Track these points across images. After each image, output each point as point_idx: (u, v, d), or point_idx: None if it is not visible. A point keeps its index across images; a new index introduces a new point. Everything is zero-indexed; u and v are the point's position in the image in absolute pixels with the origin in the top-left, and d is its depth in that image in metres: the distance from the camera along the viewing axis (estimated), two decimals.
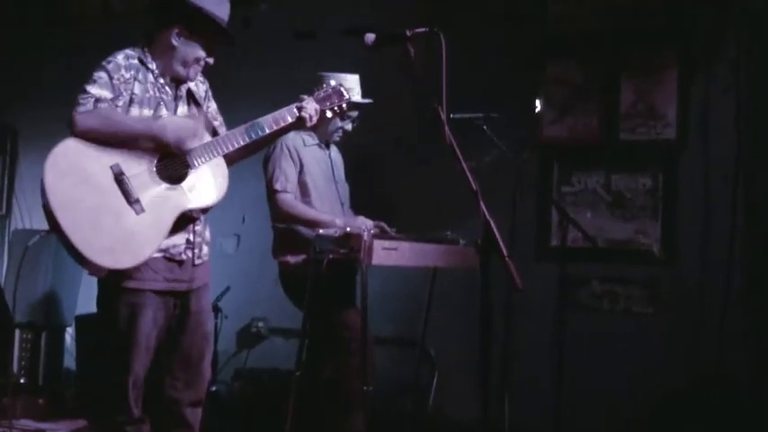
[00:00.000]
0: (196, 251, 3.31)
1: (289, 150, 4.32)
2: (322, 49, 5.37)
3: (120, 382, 3.16)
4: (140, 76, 3.21)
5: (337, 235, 3.94)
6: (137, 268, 3.11)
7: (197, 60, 3.28)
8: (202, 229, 3.35)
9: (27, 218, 6.20)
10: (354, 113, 4.43)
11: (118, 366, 3.18)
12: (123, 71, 3.17)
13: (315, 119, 3.44)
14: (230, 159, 3.32)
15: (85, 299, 5.33)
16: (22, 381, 5.49)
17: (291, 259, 4.28)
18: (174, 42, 3.23)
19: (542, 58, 5.13)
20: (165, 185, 3.13)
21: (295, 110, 3.39)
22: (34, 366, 5.54)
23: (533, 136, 5.08)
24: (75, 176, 3.03)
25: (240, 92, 4.86)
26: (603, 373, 4.71)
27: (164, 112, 3.24)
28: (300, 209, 4.29)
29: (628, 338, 4.76)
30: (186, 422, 3.33)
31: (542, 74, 5.12)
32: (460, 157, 2.70)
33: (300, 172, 4.34)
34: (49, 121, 3.97)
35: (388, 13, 5.08)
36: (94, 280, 3.23)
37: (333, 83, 3.58)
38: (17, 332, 5.49)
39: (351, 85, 4.18)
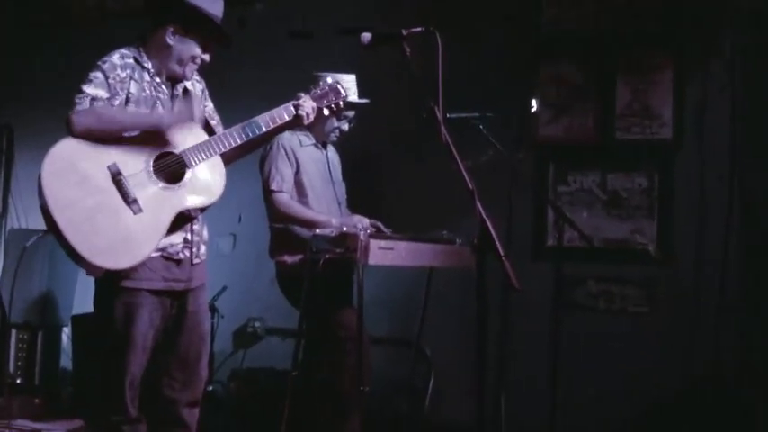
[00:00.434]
0: (194, 250, 3.31)
1: (285, 150, 4.31)
2: (318, 49, 5.37)
3: (117, 382, 3.16)
4: (136, 76, 3.21)
5: (333, 235, 3.95)
6: (134, 268, 3.10)
7: (193, 59, 3.27)
8: (200, 228, 3.35)
9: (23, 217, 6.18)
10: (351, 113, 4.43)
11: (114, 366, 3.17)
12: (119, 71, 3.17)
13: (312, 117, 3.43)
14: (227, 158, 3.31)
15: (82, 298, 5.33)
16: (18, 381, 5.48)
17: (288, 259, 4.28)
18: (170, 41, 3.23)
19: (538, 58, 5.14)
20: (162, 185, 3.13)
21: (291, 108, 3.38)
22: (30, 366, 5.53)
23: (529, 136, 5.08)
24: (73, 177, 3.02)
25: (237, 92, 4.86)
26: (599, 372, 4.71)
27: (160, 110, 3.24)
28: (296, 209, 4.29)
29: (624, 338, 4.77)
30: (183, 422, 3.33)
31: (538, 74, 5.13)
32: (457, 156, 2.71)
33: (297, 172, 4.34)
34: (45, 121, 3.97)
35: (384, 12, 5.09)
36: (91, 279, 3.23)
37: (329, 80, 3.58)
38: (13, 332, 5.48)
39: (348, 85, 4.17)
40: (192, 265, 3.31)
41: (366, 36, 3.00)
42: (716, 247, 4.66)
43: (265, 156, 4.33)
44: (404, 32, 2.90)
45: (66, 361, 5.71)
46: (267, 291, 4.78)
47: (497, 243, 2.59)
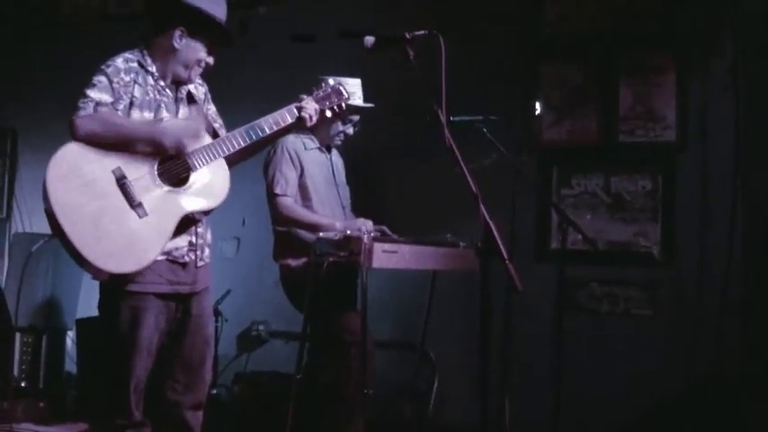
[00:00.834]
0: (198, 253, 3.31)
1: (289, 154, 4.32)
2: (321, 52, 5.38)
3: (122, 386, 3.16)
4: (140, 79, 3.22)
5: (337, 238, 3.95)
6: (139, 271, 3.10)
7: (198, 62, 3.28)
8: (204, 231, 3.35)
9: (27, 221, 6.20)
10: (356, 117, 4.44)
11: (119, 370, 3.17)
12: (123, 74, 3.17)
13: (315, 118, 3.44)
14: (230, 161, 3.32)
15: (86, 302, 5.35)
16: (22, 384, 5.49)
17: (293, 262, 4.28)
18: (176, 44, 3.24)
19: (538, 58, 5.14)
20: (166, 188, 3.14)
21: (295, 110, 3.39)
22: (35, 370, 5.55)
23: (532, 138, 5.09)
24: (77, 181, 3.03)
25: (239, 94, 4.87)
26: (603, 374, 4.71)
27: (164, 114, 3.24)
28: (300, 212, 4.29)
29: (627, 340, 4.76)
30: (187, 425, 3.33)
31: (541, 76, 5.13)
32: (460, 159, 2.71)
33: (301, 175, 4.34)
34: (49, 123, 3.98)
35: (387, 15, 5.09)
36: (95, 283, 3.23)
37: (332, 82, 3.57)
38: (18, 336, 5.50)
39: (353, 90, 4.19)
40: (196, 268, 3.31)
41: (369, 39, 3.01)
42: (719, 249, 4.65)
43: (269, 159, 4.33)
44: (407, 35, 2.91)
45: (70, 365, 5.72)
46: (271, 294, 4.78)
47: (501, 246, 2.59)
